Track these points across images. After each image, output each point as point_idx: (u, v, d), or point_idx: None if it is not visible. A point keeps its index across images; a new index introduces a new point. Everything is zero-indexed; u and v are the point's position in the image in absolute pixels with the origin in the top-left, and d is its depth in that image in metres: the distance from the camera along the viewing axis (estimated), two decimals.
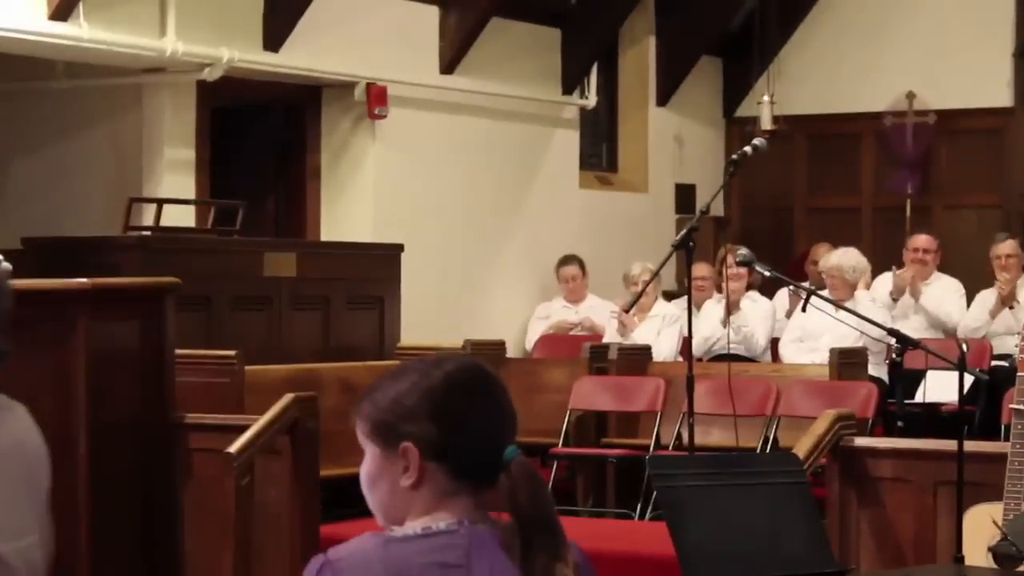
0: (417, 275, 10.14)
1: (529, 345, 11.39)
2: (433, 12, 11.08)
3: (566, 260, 11.52)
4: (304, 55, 10.08)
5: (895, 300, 10.41)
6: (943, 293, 10.68)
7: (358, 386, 8.75)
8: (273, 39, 9.90)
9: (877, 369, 9.60)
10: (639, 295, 8.57)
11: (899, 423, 8.03)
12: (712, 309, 10.69)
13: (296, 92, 10.58)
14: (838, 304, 7.14)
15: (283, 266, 9.05)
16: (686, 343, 9.81)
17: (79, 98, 9.79)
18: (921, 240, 10.79)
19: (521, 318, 11.59)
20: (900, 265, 10.75)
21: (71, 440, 6.26)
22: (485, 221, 11.45)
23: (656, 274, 8.61)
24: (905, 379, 9.10)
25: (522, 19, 11.76)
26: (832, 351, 9.11)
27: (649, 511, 8.58)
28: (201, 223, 9.41)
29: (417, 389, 2.68)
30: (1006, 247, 10.47)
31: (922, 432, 7.98)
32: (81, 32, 8.82)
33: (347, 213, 10.64)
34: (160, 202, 8.95)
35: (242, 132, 10.77)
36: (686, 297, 7.55)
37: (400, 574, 2.59)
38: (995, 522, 5.19)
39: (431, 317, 10.52)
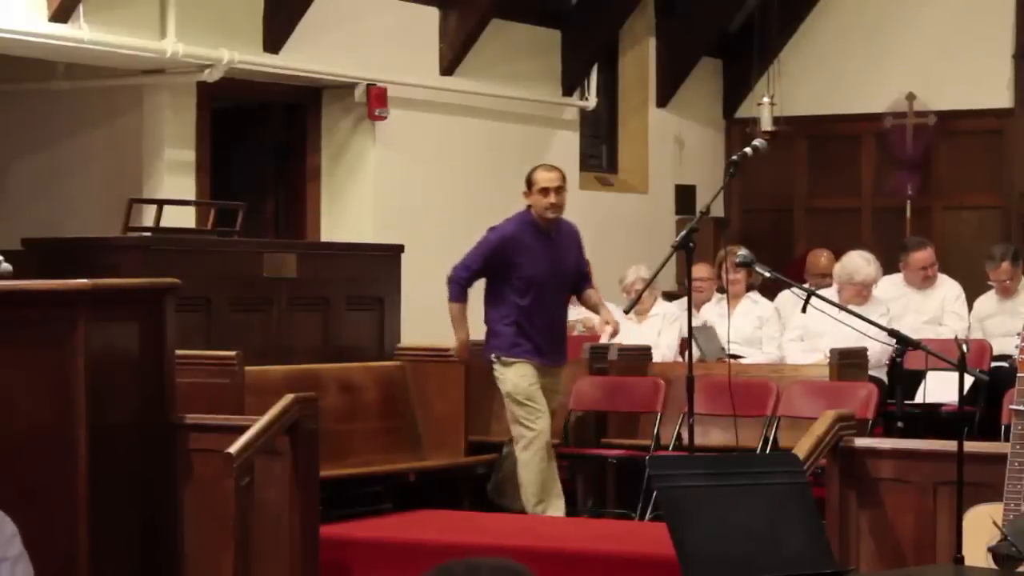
0: (417, 276, 10.13)
1: None
2: (433, 13, 11.09)
3: None
4: (304, 56, 10.09)
5: None
6: (944, 299, 10.69)
7: (358, 387, 8.76)
8: (273, 40, 9.90)
9: (877, 370, 9.61)
10: (635, 301, 8.58)
11: (899, 424, 8.01)
12: (712, 310, 10.69)
13: (296, 93, 10.59)
14: (840, 305, 7.13)
15: (283, 267, 9.05)
16: (684, 343, 9.81)
17: (79, 99, 9.79)
18: (924, 258, 10.67)
19: None
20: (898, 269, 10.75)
21: (71, 440, 6.26)
22: (485, 222, 11.39)
23: (650, 282, 8.65)
24: (905, 380, 9.09)
25: (522, 20, 11.77)
26: (832, 352, 9.11)
27: (649, 511, 8.58)
28: (201, 224, 9.41)
29: None
30: (1003, 272, 10.44)
31: (922, 433, 7.98)
32: (81, 33, 8.83)
33: (347, 214, 10.65)
34: (160, 203, 8.95)
35: (242, 133, 10.77)
36: (686, 298, 7.55)
37: None
38: (995, 523, 5.19)
39: (431, 318, 10.50)
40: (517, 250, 8.50)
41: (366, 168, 10.68)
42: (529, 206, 8.58)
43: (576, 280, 8.72)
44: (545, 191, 8.51)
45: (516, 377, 8.45)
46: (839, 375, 9.05)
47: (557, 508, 8.45)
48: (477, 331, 10.48)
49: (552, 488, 8.44)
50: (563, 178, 8.62)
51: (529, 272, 8.47)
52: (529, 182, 8.59)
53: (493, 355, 8.54)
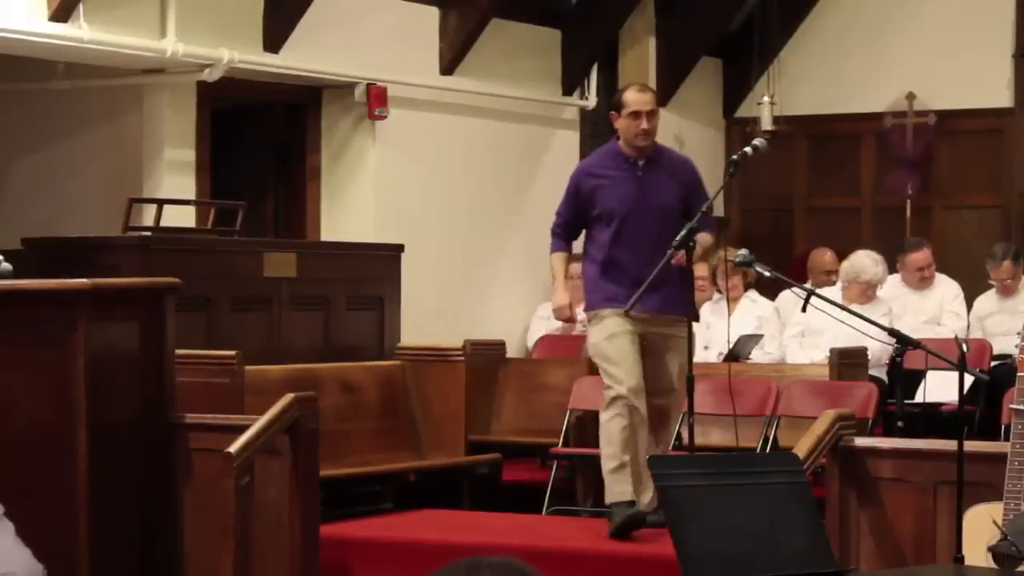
0: (417, 275, 10.15)
1: (531, 345, 11.40)
2: (433, 13, 11.09)
3: (574, 257, 11.55)
4: (304, 56, 10.09)
5: None
6: (942, 299, 10.71)
7: (358, 386, 8.77)
8: (273, 40, 9.90)
9: (877, 369, 9.62)
10: (635, 300, 8.56)
11: (899, 423, 8.03)
12: (710, 310, 10.69)
13: (296, 93, 10.58)
14: (840, 305, 7.14)
15: (283, 266, 9.05)
16: None
17: (79, 99, 9.79)
18: (920, 259, 10.71)
19: (521, 318, 11.60)
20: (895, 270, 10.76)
21: (71, 440, 6.26)
22: (485, 221, 11.46)
23: (649, 281, 8.39)
24: (905, 379, 9.10)
25: (522, 20, 11.77)
26: (832, 351, 9.12)
27: None
28: (201, 223, 9.42)
29: None
30: (1005, 271, 10.46)
31: (922, 432, 7.99)
32: (81, 33, 8.82)
33: (347, 213, 10.65)
34: (160, 202, 8.96)
35: (242, 133, 10.77)
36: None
37: None
38: (995, 522, 5.20)
39: (431, 317, 10.53)
40: (597, 180, 7.52)
41: (366, 168, 10.68)
42: (617, 136, 7.60)
43: (687, 219, 7.35)
44: (636, 115, 7.47)
45: (595, 335, 7.51)
46: (839, 375, 9.06)
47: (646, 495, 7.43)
48: (476, 331, 10.50)
49: (640, 472, 7.35)
50: (656, 101, 7.66)
51: (609, 204, 7.46)
52: (617, 104, 7.55)
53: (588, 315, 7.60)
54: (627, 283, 7.32)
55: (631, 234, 7.42)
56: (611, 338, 7.41)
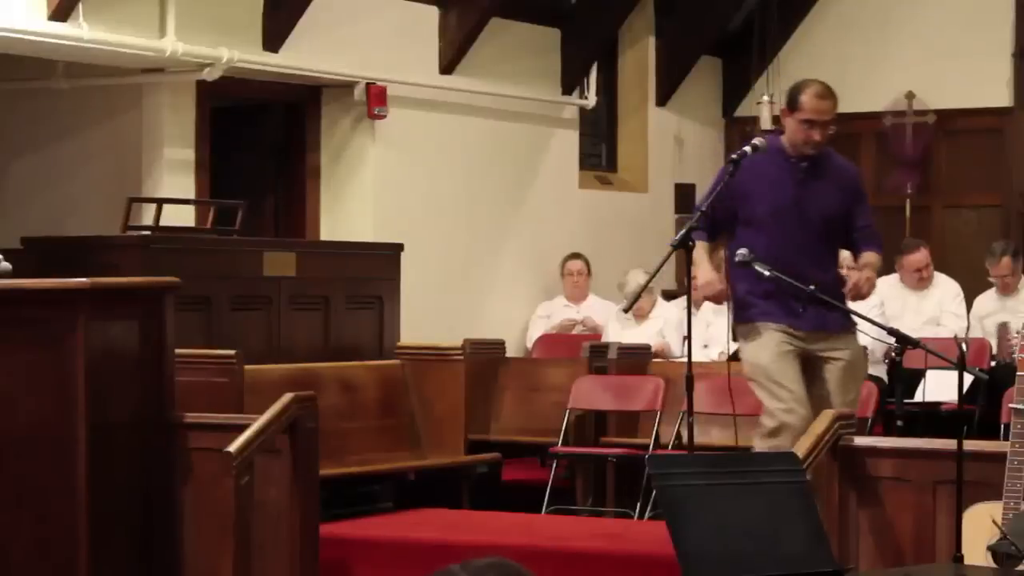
0: (417, 275, 10.15)
1: (530, 344, 11.41)
2: (433, 12, 11.09)
3: (573, 255, 11.59)
4: (304, 55, 10.09)
5: None
6: (941, 299, 10.71)
7: (357, 386, 8.77)
8: (273, 39, 9.90)
9: (876, 368, 9.62)
10: (634, 300, 8.54)
11: (898, 422, 8.03)
12: (711, 309, 10.68)
13: (296, 92, 10.58)
14: (838, 304, 7.13)
15: (283, 266, 9.06)
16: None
17: (79, 98, 9.79)
18: (918, 259, 10.72)
19: (521, 318, 11.60)
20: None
21: (71, 440, 6.26)
22: (485, 221, 11.46)
23: (648, 282, 8.25)
24: (904, 379, 9.10)
25: (522, 19, 11.77)
26: None
27: (648, 510, 8.59)
28: (201, 223, 9.42)
29: None
30: (1004, 267, 10.47)
31: (921, 431, 7.99)
32: (81, 32, 8.83)
33: (347, 213, 10.65)
34: (160, 202, 8.96)
35: (242, 132, 10.77)
36: (686, 297, 7.54)
37: None
38: (994, 521, 5.20)
39: (431, 317, 10.53)
40: (751, 176, 6.69)
41: (366, 167, 10.68)
42: (779, 131, 6.92)
43: (847, 232, 6.85)
44: (810, 124, 6.76)
45: (754, 350, 6.78)
46: None
47: None
48: (476, 331, 10.50)
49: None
50: (835, 108, 6.86)
51: (763, 205, 6.69)
52: (792, 103, 6.81)
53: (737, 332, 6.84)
54: (785, 298, 6.67)
55: (786, 241, 6.70)
56: (775, 355, 6.71)
